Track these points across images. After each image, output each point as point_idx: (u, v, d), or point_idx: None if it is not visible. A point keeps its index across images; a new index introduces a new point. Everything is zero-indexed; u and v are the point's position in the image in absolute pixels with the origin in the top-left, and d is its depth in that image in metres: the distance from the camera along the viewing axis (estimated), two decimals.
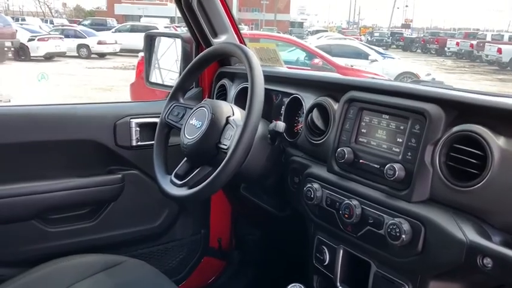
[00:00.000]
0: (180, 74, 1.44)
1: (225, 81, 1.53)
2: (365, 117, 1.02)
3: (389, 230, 0.88)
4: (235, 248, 1.80)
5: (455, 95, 0.88)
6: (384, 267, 0.96)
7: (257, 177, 1.23)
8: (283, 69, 1.53)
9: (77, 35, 16.82)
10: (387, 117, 0.97)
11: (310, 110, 1.16)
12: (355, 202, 0.97)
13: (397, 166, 0.89)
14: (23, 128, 1.29)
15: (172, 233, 1.63)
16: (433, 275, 0.87)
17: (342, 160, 1.01)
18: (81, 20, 29.24)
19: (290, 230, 1.43)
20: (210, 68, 1.55)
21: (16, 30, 14.18)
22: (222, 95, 1.53)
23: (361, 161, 0.99)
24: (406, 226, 0.86)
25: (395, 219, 0.88)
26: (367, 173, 0.98)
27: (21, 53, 14.37)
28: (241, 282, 1.80)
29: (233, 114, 1.11)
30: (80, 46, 16.47)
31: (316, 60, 6.76)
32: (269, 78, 1.28)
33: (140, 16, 33.34)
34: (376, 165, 0.96)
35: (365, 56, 9.90)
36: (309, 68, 6.46)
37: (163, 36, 1.77)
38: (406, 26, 51.79)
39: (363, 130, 1.02)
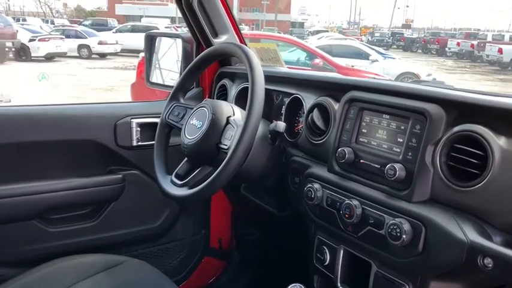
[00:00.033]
0: (180, 74, 1.44)
1: (225, 81, 1.53)
2: (365, 117, 1.02)
3: (389, 230, 0.88)
4: (235, 248, 1.80)
5: (456, 94, 0.88)
6: (384, 267, 0.96)
7: (257, 177, 1.23)
8: (284, 69, 1.53)
9: (77, 35, 16.84)
10: (388, 117, 0.97)
11: (311, 110, 1.16)
12: (355, 202, 0.97)
13: (397, 166, 0.89)
14: (24, 128, 1.29)
15: (173, 233, 1.63)
16: (433, 275, 0.87)
17: (342, 160, 1.01)
18: (82, 20, 29.25)
19: (290, 230, 1.43)
20: (211, 68, 1.55)
21: (17, 31, 14.19)
22: (223, 95, 1.53)
23: (361, 161, 0.99)
24: (406, 226, 0.86)
25: (396, 219, 0.88)
26: (367, 173, 0.98)
27: (22, 53, 14.38)
28: (242, 282, 1.80)
29: (233, 114, 1.11)
30: (80, 46, 16.48)
31: (317, 61, 6.77)
32: (270, 78, 1.28)
33: (141, 16, 33.37)
34: (376, 165, 0.95)
35: (366, 56, 9.90)
36: (310, 68, 6.46)
37: (163, 36, 1.77)
38: (406, 26, 51.80)
39: (363, 130, 1.02)
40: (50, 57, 14.75)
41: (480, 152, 0.80)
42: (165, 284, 1.17)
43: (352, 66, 7.69)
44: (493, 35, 26.77)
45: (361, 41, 21.14)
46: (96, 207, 1.46)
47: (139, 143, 1.45)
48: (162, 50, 1.74)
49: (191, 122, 1.14)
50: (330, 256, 1.10)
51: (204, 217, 1.71)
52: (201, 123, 1.10)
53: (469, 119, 0.84)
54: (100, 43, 16.57)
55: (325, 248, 1.11)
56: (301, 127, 1.23)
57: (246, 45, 1.50)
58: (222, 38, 1.51)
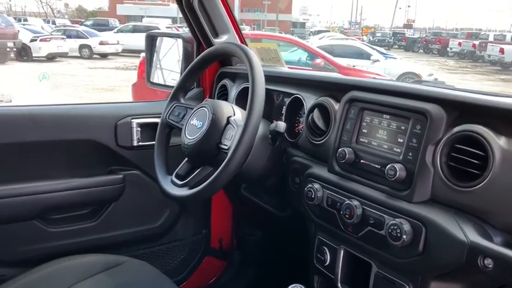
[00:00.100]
0: (181, 74, 1.44)
1: (226, 82, 1.53)
2: (366, 117, 1.02)
3: (390, 231, 0.87)
4: (236, 248, 1.80)
5: (456, 95, 0.88)
6: (384, 267, 0.96)
7: (258, 178, 1.23)
8: (284, 69, 1.53)
9: (79, 36, 16.87)
10: (388, 117, 0.97)
11: (311, 110, 1.16)
12: (355, 202, 0.97)
13: (398, 166, 0.89)
14: (25, 128, 1.29)
15: (174, 233, 1.63)
16: (434, 275, 0.87)
17: (342, 160, 1.01)
18: (83, 20, 29.30)
19: (291, 230, 1.43)
20: (211, 68, 1.55)
21: (18, 31, 14.21)
22: (223, 95, 1.53)
23: (362, 161, 0.99)
24: (406, 226, 0.86)
25: (396, 219, 0.88)
26: (368, 173, 0.98)
27: (23, 54, 14.40)
28: (242, 282, 1.80)
29: (234, 114, 1.11)
30: (82, 46, 16.51)
31: (318, 61, 6.77)
32: (270, 78, 1.28)
33: (142, 16, 33.38)
34: (377, 166, 0.95)
35: (367, 56, 9.90)
36: (311, 68, 6.46)
37: (164, 36, 1.77)
38: (408, 26, 51.73)
39: (363, 130, 1.02)
40: (51, 58, 14.78)
41: (480, 152, 0.80)
42: (165, 284, 1.17)
43: (354, 66, 7.69)
44: (494, 35, 26.73)
45: (363, 41, 21.12)
46: (97, 207, 1.46)
47: (140, 143, 1.45)
48: (162, 50, 1.74)
49: (191, 122, 1.14)
50: (330, 256, 1.09)
51: (205, 217, 1.71)
52: (201, 123, 1.10)
53: (469, 119, 0.84)
54: (101, 43, 16.59)
55: (325, 248, 1.11)
56: (302, 127, 1.23)
57: (246, 45, 1.50)
58: (223, 38, 1.51)
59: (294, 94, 1.27)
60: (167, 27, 17.30)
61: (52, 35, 16.27)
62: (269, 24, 40.81)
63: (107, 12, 42.90)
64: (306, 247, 1.20)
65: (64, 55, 15.55)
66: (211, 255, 1.74)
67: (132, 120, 1.43)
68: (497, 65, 19.87)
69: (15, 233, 1.32)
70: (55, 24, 25.96)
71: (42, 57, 14.36)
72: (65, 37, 15.97)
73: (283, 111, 1.31)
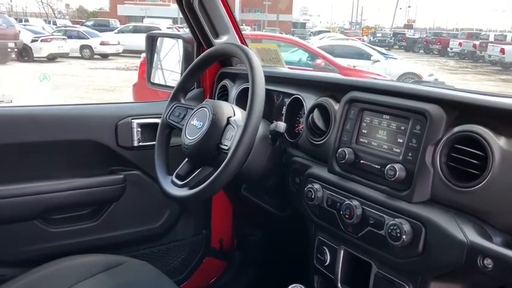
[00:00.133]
0: (181, 75, 1.44)
1: (226, 82, 1.53)
2: (366, 117, 1.02)
3: (389, 231, 0.87)
4: (236, 249, 1.80)
5: (456, 95, 0.88)
6: (384, 267, 0.96)
7: (258, 178, 1.23)
8: (284, 69, 1.53)
9: (79, 36, 16.88)
10: (388, 117, 0.97)
11: (311, 111, 1.16)
12: (355, 203, 0.97)
13: (397, 166, 0.89)
14: (25, 128, 1.30)
15: (174, 233, 1.63)
16: (433, 275, 0.87)
17: (342, 160, 1.01)
18: (84, 21, 29.29)
19: (291, 231, 1.43)
20: (212, 69, 1.56)
21: (19, 31, 14.21)
22: (224, 95, 1.53)
23: (361, 161, 0.99)
24: (406, 227, 0.86)
25: (396, 219, 0.88)
26: (367, 174, 0.98)
27: (24, 54, 14.40)
28: (243, 282, 1.80)
29: (234, 115, 1.11)
30: (82, 47, 16.52)
31: (319, 61, 6.77)
32: (270, 78, 1.29)
33: (143, 17, 33.43)
34: (376, 166, 0.95)
35: (367, 57, 9.89)
36: (311, 69, 6.46)
37: (164, 37, 1.78)
38: (408, 26, 51.73)
39: (363, 130, 1.02)
40: (52, 58, 14.78)
41: (480, 153, 0.80)
42: (166, 284, 1.18)
43: (354, 66, 7.69)
44: (495, 35, 26.71)
45: (363, 41, 21.14)
46: (97, 207, 1.47)
47: (140, 144, 1.45)
48: (163, 51, 1.75)
49: (192, 123, 1.14)
50: (330, 256, 1.10)
51: (205, 217, 1.71)
52: (201, 123, 1.10)
53: (469, 120, 0.84)
54: (102, 44, 16.60)
55: (325, 248, 1.11)
56: (302, 127, 1.23)
57: (246, 45, 1.50)
58: (223, 39, 1.52)
59: (294, 94, 1.27)
60: (168, 28, 17.35)
61: (53, 35, 16.27)
62: (270, 25, 40.81)
63: (108, 12, 42.94)
64: (306, 247, 1.21)
65: (65, 55, 15.56)
66: (212, 255, 1.74)
67: (133, 120, 1.44)
68: (497, 65, 19.85)
69: (16, 233, 1.32)
70: (56, 24, 25.96)
71: (43, 57, 14.36)
72: (65, 37, 15.98)
73: (283, 111, 1.31)
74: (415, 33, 43.46)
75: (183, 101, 1.26)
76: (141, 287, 1.16)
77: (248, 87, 1.04)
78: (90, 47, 16.52)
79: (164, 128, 1.24)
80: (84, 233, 1.43)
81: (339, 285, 1.07)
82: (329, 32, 32.94)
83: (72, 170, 1.40)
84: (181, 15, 1.52)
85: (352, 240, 1.01)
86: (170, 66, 1.72)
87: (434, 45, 28.80)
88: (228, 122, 1.09)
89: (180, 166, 1.16)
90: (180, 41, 1.62)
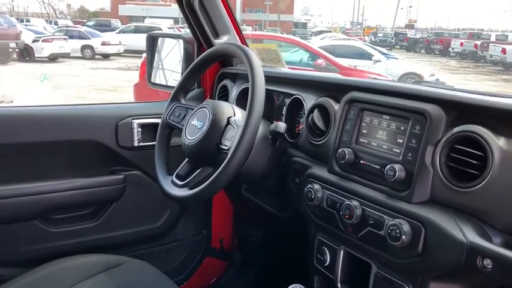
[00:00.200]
0: (182, 75, 1.44)
1: (226, 82, 1.53)
2: (366, 117, 1.02)
3: (389, 231, 0.87)
4: (237, 249, 1.80)
5: (455, 95, 0.88)
6: (384, 268, 0.96)
7: (258, 178, 1.23)
8: (285, 69, 1.53)
9: (81, 36, 16.90)
10: (388, 117, 0.97)
11: (311, 111, 1.16)
12: (355, 203, 0.97)
13: (397, 167, 0.89)
14: (26, 128, 1.30)
15: (174, 233, 1.63)
16: (433, 276, 0.87)
17: (342, 161, 1.01)
18: (85, 21, 29.31)
19: (291, 231, 1.43)
20: (212, 69, 1.56)
21: (21, 31, 14.25)
22: (224, 95, 1.53)
23: (361, 161, 0.99)
24: (406, 227, 0.86)
25: (396, 220, 0.88)
26: (367, 174, 0.98)
27: (26, 54, 14.44)
28: (243, 282, 1.80)
29: (234, 115, 1.11)
30: (84, 47, 16.54)
31: (320, 61, 6.77)
32: (270, 78, 1.29)
33: (144, 17, 33.44)
34: (376, 166, 0.95)
35: (368, 57, 9.89)
36: (312, 69, 6.46)
37: (165, 37, 1.78)
38: (409, 26, 51.68)
39: (363, 131, 1.02)
40: (53, 58, 14.80)
41: (480, 153, 0.80)
42: (166, 285, 1.18)
43: (355, 66, 7.70)
44: (496, 35, 26.69)
45: (364, 41, 21.13)
46: (98, 207, 1.47)
47: (141, 144, 1.45)
48: (163, 51, 1.75)
49: (192, 123, 1.14)
50: (330, 257, 1.10)
51: (205, 217, 1.71)
52: (201, 123, 1.10)
53: (468, 120, 0.84)
54: (103, 44, 16.63)
55: (325, 248, 1.11)
56: (302, 128, 1.23)
57: (247, 45, 1.50)
58: (223, 39, 1.52)
59: (294, 95, 1.27)
60: (169, 28, 17.36)
61: (54, 35, 16.31)
62: (271, 25, 40.82)
63: (109, 12, 42.98)
64: (306, 247, 1.21)
65: (66, 56, 15.58)
66: (212, 255, 1.74)
67: (133, 120, 1.44)
68: (499, 65, 19.84)
69: (16, 233, 1.33)
70: (57, 24, 26.01)
71: (45, 57, 14.39)
72: (67, 38, 16.01)
73: (284, 111, 1.31)
74: (417, 33, 43.43)
75: (183, 101, 1.26)
76: (141, 287, 1.16)
77: (248, 88, 1.04)
78: (91, 47, 16.54)
79: (164, 128, 1.24)
80: (84, 233, 1.43)
81: (339, 285, 1.07)
82: (330, 32, 32.93)
83: (73, 170, 1.40)
84: (182, 16, 1.51)
85: (352, 241, 1.01)
86: (171, 67, 1.72)
87: (436, 45, 28.78)
88: (228, 122, 1.09)
89: (180, 166, 1.16)
90: (181, 41, 1.62)
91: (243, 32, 1.60)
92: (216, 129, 1.08)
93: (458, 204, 0.83)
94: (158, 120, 1.28)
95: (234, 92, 1.48)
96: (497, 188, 0.78)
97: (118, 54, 17.19)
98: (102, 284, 1.11)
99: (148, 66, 1.74)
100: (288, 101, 1.30)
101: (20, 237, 1.34)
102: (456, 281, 0.86)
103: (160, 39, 1.74)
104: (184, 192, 1.09)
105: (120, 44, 17.11)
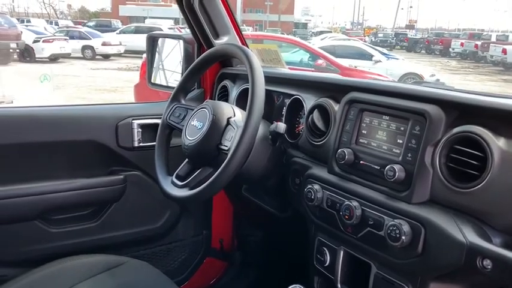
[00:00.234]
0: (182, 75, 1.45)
1: (226, 83, 1.53)
2: (365, 118, 1.02)
3: (389, 232, 0.88)
4: (237, 249, 1.80)
5: (455, 95, 0.88)
6: (384, 268, 0.96)
7: (258, 178, 1.23)
8: (285, 70, 1.53)
9: (81, 37, 16.92)
10: (387, 118, 0.97)
11: (311, 111, 1.16)
12: (355, 203, 0.97)
13: (397, 167, 0.89)
14: (26, 129, 1.30)
15: (174, 233, 1.63)
16: (433, 276, 0.87)
17: (342, 161, 1.01)
18: (85, 21, 29.34)
19: (291, 231, 1.43)
20: (212, 69, 1.56)
21: (21, 32, 14.26)
22: (224, 96, 1.53)
23: (361, 162, 0.99)
24: (406, 227, 0.86)
25: (395, 220, 0.88)
26: (367, 174, 0.98)
27: (26, 55, 14.45)
28: (243, 283, 1.80)
29: (234, 115, 1.11)
30: (84, 47, 16.55)
31: (320, 61, 6.77)
32: (270, 79, 1.29)
33: (145, 17, 33.43)
34: (376, 167, 0.95)
35: (369, 57, 9.89)
36: (313, 69, 6.46)
37: (165, 37, 1.78)
38: (410, 26, 51.68)
39: (363, 131, 1.02)
40: (54, 58, 14.80)
41: (479, 153, 0.80)
42: (166, 285, 1.18)
43: (355, 66, 7.70)
44: (497, 35, 26.68)
45: (365, 41, 21.14)
46: (98, 207, 1.47)
47: (141, 144, 1.45)
48: (164, 52, 1.75)
49: (192, 123, 1.14)
50: (330, 257, 1.10)
51: (206, 218, 1.71)
52: (201, 124, 1.10)
53: (468, 120, 0.84)
54: (104, 44, 16.64)
55: (325, 249, 1.11)
56: (302, 128, 1.23)
57: (247, 46, 1.50)
58: (223, 39, 1.52)
59: (294, 95, 1.27)
60: (169, 28, 17.36)
61: (55, 36, 16.34)
62: (271, 25, 40.85)
63: (110, 13, 42.99)
64: (306, 248, 1.21)
65: (67, 56, 15.59)
66: (212, 255, 1.74)
67: (133, 121, 1.44)
68: (499, 65, 19.83)
69: (16, 233, 1.33)
70: (58, 25, 26.02)
71: (45, 58, 14.39)
72: (67, 38, 16.02)
73: (284, 112, 1.31)
74: (417, 34, 43.42)
75: (183, 102, 1.26)
76: (141, 287, 1.16)
77: (248, 88, 1.04)
78: (92, 48, 16.55)
79: (164, 129, 1.24)
80: (84, 234, 1.43)
81: (339, 285, 1.07)
82: (330, 32, 32.94)
83: (73, 171, 1.40)
84: (182, 16, 1.52)
85: (352, 241, 1.01)
86: (171, 67, 1.72)
87: (436, 45, 28.77)
88: (228, 123, 1.09)
89: (180, 167, 1.16)
90: (181, 42, 1.62)
91: (243, 33, 1.60)
92: (216, 129, 1.08)
93: (458, 204, 0.83)
94: (158, 121, 1.28)
95: (234, 92, 1.48)
96: (497, 189, 0.78)
97: (118, 55, 17.20)
98: (102, 284, 1.12)
99: (148, 67, 1.74)
100: (288, 101, 1.30)
101: (20, 237, 1.34)
102: (456, 282, 0.86)
103: (160, 39, 1.74)
104: (184, 192, 1.09)
105: (120, 44, 17.12)
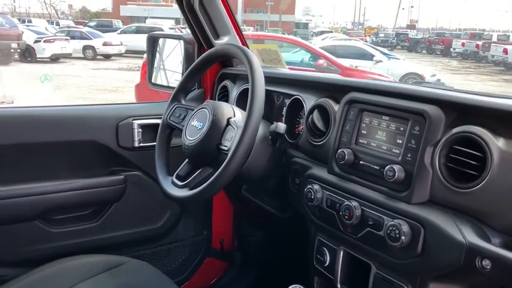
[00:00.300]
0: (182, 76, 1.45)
1: (227, 83, 1.53)
2: (365, 118, 1.02)
3: (388, 232, 0.88)
4: (237, 249, 1.80)
5: (454, 96, 0.88)
6: (383, 268, 0.96)
7: (258, 179, 1.23)
8: (285, 70, 1.53)
9: (82, 37, 16.94)
10: (387, 118, 0.97)
11: (311, 111, 1.16)
12: (355, 203, 0.97)
13: (396, 167, 0.89)
14: (26, 129, 1.30)
15: (175, 234, 1.64)
16: (432, 276, 0.87)
17: (342, 161, 1.01)
18: (86, 21, 29.36)
19: (291, 231, 1.44)
20: (212, 69, 1.56)
21: (22, 32, 14.26)
22: (224, 96, 1.53)
23: (361, 162, 0.99)
24: (405, 228, 0.86)
25: (395, 220, 0.88)
26: (367, 174, 0.98)
27: (27, 55, 14.46)
28: (243, 283, 1.80)
29: (234, 116, 1.11)
30: (85, 47, 16.57)
31: (321, 61, 6.76)
32: (270, 79, 1.29)
33: (146, 17, 33.45)
34: (376, 167, 0.96)
35: (370, 57, 9.89)
36: (314, 69, 6.46)
37: (166, 37, 1.78)
38: (411, 26, 51.65)
39: (363, 131, 1.02)
40: (55, 59, 14.82)
41: (479, 154, 0.80)
42: (166, 285, 1.18)
43: (356, 67, 7.70)
44: (498, 35, 26.64)
45: (366, 41, 21.13)
46: (98, 208, 1.47)
47: (141, 144, 1.45)
48: (164, 52, 1.75)
49: (192, 123, 1.14)
50: (330, 257, 1.10)
51: (206, 218, 1.71)
52: (201, 124, 1.11)
53: (467, 121, 0.84)
54: (105, 44, 16.65)
55: (325, 249, 1.11)
56: (302, 128, 1.23)
57: (247, 46, 1.50)
58: (224, 40, 1.52)
59: (294, 95, 1.27)
60: (170, 28, 17.36)
61: (56, 36, 16.36)
62: (272, 25, 40.86)
63: (111, 13, 43.06)
64: (306, 248, 1.21)
65: (68, 56, 15.60)
66: (212, 256, 1.74)
67: (133, 121, 1.44)
68: (500, 65, 19.81)
69: (17, 234, 1.33)
70: (59, 25, 26.06)
71: (46, 58, 14.40)
72: (68, 38, 16.04)
73: (284, 112, 1.31)
74: (418, 34, 43.42)
75: (183, 102, 1.26)
76: (141, 287, 1.16)
77: (249, 88, 1.05)
78: (92, 48, 16.56)
79: (165, 129, 1.25)
80: (85, 234, 1.43)
81: (339, 285, 1.07)
82: (331, 32, 32.91)
83: (73, 171, 1.40)
84: (183, 16, 1.52)
85: (352, 241, 1.01)
86: (172, 67, 1.72)
87: (437, 45, 28.75)
88: (228, 123, 1.09)
89: (181, 167, 1.16)
90: (182, 42, 1.62)
91: (244, 33, 1.60)
92: (216, 129, 1.08)
93: (458, 204, 0.83)
94: (158, 121, 1.28)
95: (234, 92, 1.48)
96: (496, 189, 0.78)
97: (119, 55, 17.21)
98: (102, 284, 1.12)
99: (148, 67, 1.74)
100: (288, 101, 1.30)
101: (20, 237, 1.34)
102: (455, 282, 0.86)
103: (161, 39, 1.75)
104: (184, 192, 1.10)
105: (121, 44, 17.12)
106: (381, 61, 9.86)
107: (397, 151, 0.93)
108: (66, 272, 1.14)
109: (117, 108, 1.52)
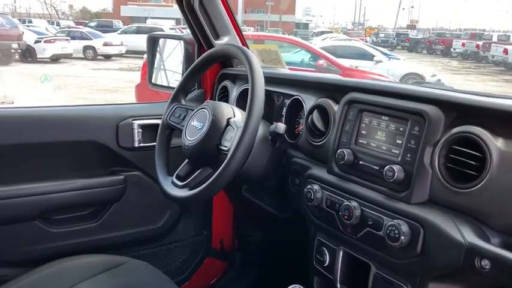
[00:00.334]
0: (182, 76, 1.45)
1: (227, 83, 1.53)
2: (365, 118, 1.02)
3: (388, 232, 0.88)
4: (237, 249, 1.80)
5: (454, 96, 0.88)
6: (383, 268, 0.97)
7: (258, 179, 1.23)
8: (284, 70, 1.53)
9: (83, 37, 16.95)
10: (387, 118, 0.97)
11: (311, 112, 1.16)
12: (354, 203, 0.97)
13: (396, 168, 0.89)
14: (26, 129, 1.31)
15: (175, 234, 1.64)
16: (432, 276, 0.87)
17: (341, 161, 1.01)
18: (87, 21, 29.35)
19: (291, 231, 1.44)
20: (212, 70, 1.56)
21: (23, 32, 14.28)
22: (224, 96, 1.54)
23: (360, 162, 0.99)
24: (405, 228, 0.86)
25: (395, 220, 0.88)
26: (366, 175, 0.98)
27: (28, 55, 14.47)
28: (243, 283, 1.80)
29: (234, 116, 1.12)
30: (86, 48, 16.58)
31: (321, 62, 6.77)
32: (270, 79, 1.29)
33: (146, 18, 33.45)
34: (375, 167, 0.96)
35: (370, 57, 9.89)
36: (314, 70, 6.46)
37: (166, 38, 1.78)
38: (411, 26, 51.66)
39: (362, 131, 1.02)
40: (55, 59, 14.83)
41: (478, 154, 0.80)
42: (166, 285, 1.18)
43: (357, 67, 7.70)
44: (498, 35, 26.63)
45: (366, 41, 21.14)
46: (98, 208, 1.47)
47: (141, 144, 1.46)
48: (164, 52, 1.75)
49: (192, 124, 1.14)
50: (330, 257, 1.10)
51: (206, 218, 1.71)
52: (201, 124, 1.11)
53: (467, 121, 0.84)
54: (105, 44, 16.66)
55: (324, 249, 1.11)
56: (302, 128, 1.23)
57: (247, 46, 1.50)
58: (224, 40, 1.52)
59: (294, 95, 1.27)
60: (171, 28, 17.37)
61: (56, 36, 16.37)
62: (272, 25, 40.87)
63: (111, 13, 43.09)
64: (306, 248, 1.21)
65: (68, 56, 15.62)
66: (212, 256, 1.74)
67: (134, 121, 1.44)
68: (500, 65, 19.81)
69: (17, 234, 1.33)
70: (59, 25, 26.08)
71: (47, 58, 14.42)
72: (69, 38, 16.05)
73: (283, 112, 1.31)
74: (418, 34, 43.37)
75: (183, 102, 1.26)
76: (141, 287, 1.17)
77: (248, 88, 1.05)
78: (93, 48, 16.58)
79: (165, 129, 1.25)
80: (85, 234, 1.43)
81: (338, 285, 1.07)
82: (331, 32, 32.96)
83: (73, 171, 1.40)
84: (183, 16, 1.52)
85: (351, 241, 1.01)
86: (172, 67, 1.72)
87: (437, 45, 28.73)
88: (228, 123, 1.09)
89: (181, 167, 1.16)
90: (182, 42, 1.63)
91: (244, 33, 1.60)
92: (216, 130, 1.09)
93: (457, 205, 0.83)
94: (158, 121, 1.28)
95: (234, 92, 1.48)
96: (495, 189, 0.78)
97: (120, 55, 17.22)
98: (102, 284, 1.12)
99: (149, 67, 1.74)
100: (287, 101, 1.30)
101: (21, 237, 1.34)
102: (455, 282, 0.87)
103: (161, 40, 1.75)
104: (184, 192, 1.10)
105: (122, 44, 17.14)
106: (381, 61, 9.87)
107: (397, 151, 0.93)
108: (66, 272, 1.14)
109: (117, 109, 1.52)
